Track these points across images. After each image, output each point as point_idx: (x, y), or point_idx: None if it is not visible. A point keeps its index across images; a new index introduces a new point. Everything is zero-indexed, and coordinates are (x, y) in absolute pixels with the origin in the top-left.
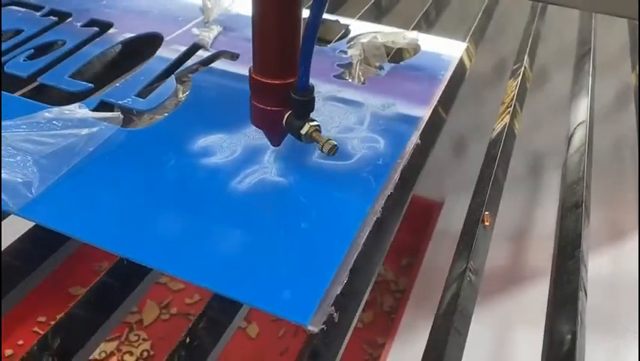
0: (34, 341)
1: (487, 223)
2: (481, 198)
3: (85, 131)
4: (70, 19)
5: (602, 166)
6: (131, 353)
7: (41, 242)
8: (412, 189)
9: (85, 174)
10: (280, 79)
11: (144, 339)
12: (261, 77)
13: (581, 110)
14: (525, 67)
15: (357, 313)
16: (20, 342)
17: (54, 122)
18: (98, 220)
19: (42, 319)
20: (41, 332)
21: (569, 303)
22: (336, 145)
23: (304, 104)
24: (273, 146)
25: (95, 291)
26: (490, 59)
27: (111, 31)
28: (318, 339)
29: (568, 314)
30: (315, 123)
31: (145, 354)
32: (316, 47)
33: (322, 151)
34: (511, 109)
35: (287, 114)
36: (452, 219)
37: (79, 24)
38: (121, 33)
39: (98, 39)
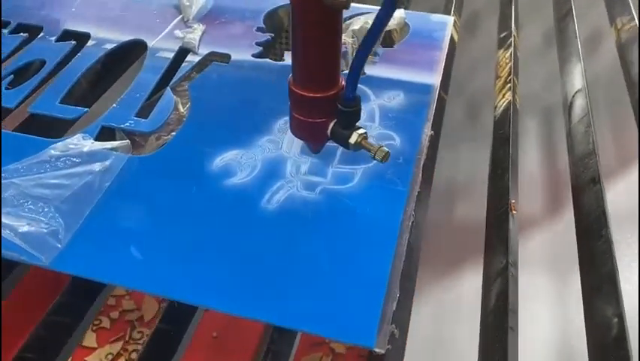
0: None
1: (514, 211)
2: (502, 185)
3: (98, 166)
4: (41, 33)
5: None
6: (137, 351)
7: (83, 292)
8: (431, 182)
9: (108, 213)
10: (324, 92)
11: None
12: (304, 91)
13: (576, 77)
14: (514, 35)
15: (410, 321)
16: None
17: (62, 159)
18: (134, 263)
19: None
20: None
21: (608, 286)
22: (388, 152)
23: (351, 115)
24: (314, 153)
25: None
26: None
27: (90, 43)
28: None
29: (609, 298)
30: (362, 131)
31: None
32: None
33: (375, 159)
34: (511, 84)
35: (332, 124)
36: (446, 172)
37: (53, 38)
38: (101, 44)
39: (79, 54)
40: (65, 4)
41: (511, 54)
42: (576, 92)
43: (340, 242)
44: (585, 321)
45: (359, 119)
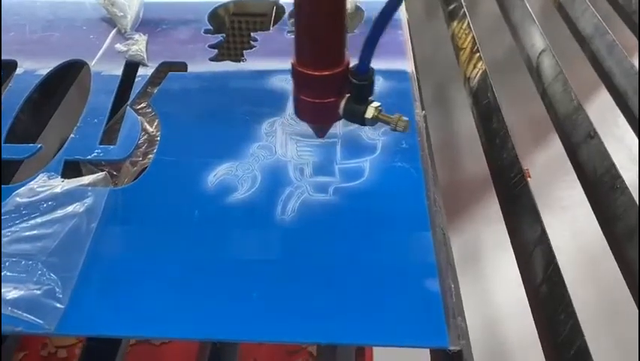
0: None
1: (529, 178)
2: (507, 154)
3: (79, 207)
4: None
5: None
6: None
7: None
8: (434, 161)
9: (106, 258)
10: (333, 69)
11: None
12: (312, 70)
13: (536, 38)
14: (464, 5)
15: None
16: None
17: (34, 205)
18: (154, 310)
19: None
20: None
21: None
22: (409, 121)
23: (365, 88)
24: (319, 138)
25: None
26: None
27: (19, 71)
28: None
29: None
30: (377, 104)
31: None
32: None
33: (396, 130)
34: (480, 53)
35: (343, 102)
36: None
37: None
38: (33, 71)
39: (9, 85)
40: None
41: (468, 24)
42: (541, 53)
43: (374, 243)
44: (622, 272)
45: (373, 92)
